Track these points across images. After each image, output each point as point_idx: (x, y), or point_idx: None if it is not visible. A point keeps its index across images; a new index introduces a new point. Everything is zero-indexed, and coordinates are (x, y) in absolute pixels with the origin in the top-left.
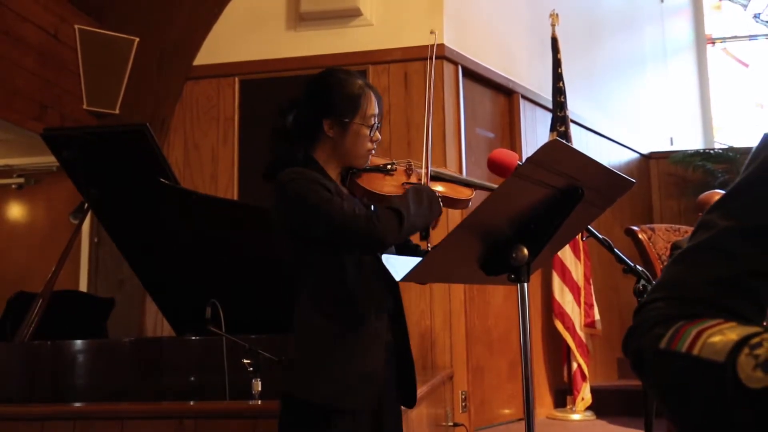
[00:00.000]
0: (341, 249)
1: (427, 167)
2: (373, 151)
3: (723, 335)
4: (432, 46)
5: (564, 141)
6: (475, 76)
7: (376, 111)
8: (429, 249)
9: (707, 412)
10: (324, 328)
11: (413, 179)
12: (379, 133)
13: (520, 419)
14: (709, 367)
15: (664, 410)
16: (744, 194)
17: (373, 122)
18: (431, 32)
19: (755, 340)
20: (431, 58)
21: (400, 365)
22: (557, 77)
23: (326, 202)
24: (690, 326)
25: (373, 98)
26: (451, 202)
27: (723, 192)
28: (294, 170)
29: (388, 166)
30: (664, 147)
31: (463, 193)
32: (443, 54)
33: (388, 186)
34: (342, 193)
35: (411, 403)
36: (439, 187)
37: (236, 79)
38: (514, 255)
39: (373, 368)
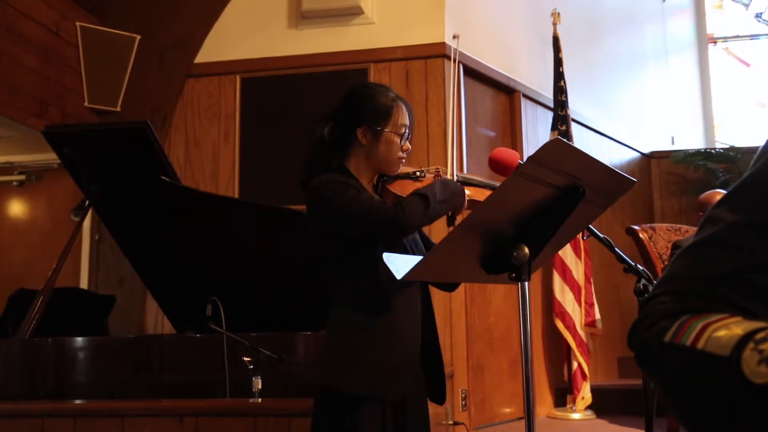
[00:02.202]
0: (372, 239)
1: (452, 170)
2: (404, 160)
3: (728, 330)
4: (454, 50)
5: (565, 140)
6: (476, 74)
7: (407, 122)
8: None
9: (711, 406)
10: (356, 322)
11: None
12: (410, 142)
13: (520, 418)
14: (713, 361)
15: (667, 404)
16: (752, 189)
17: (403, 131)
18: (454, 36)
19: (760, 335)
20: (454, 60)
21: (430, 362)
22: (558, 76)
23: (353, 197)
24: (695, 320)
25: (404, 109)
26: (477, 204)
27: (724, 191)
28: (326, 175)
29: (418, 173)
30: (665, 146)
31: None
32: (444, 52)
33: None
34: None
35: (441, 399)
36: (466, 191)
37: (237, 76)
38: (515, 254)
39: (404, 359)
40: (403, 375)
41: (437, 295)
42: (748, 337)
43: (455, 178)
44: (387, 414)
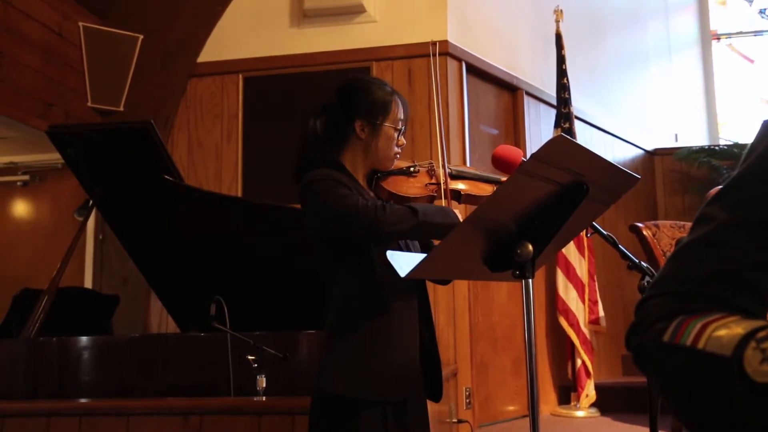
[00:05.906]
0: (352, 239)
1: (444, 167)
2: (398, 156)
3: (729, 329)
4: (434, 47)
5: (569, 137)
6: (479, 72)
7: (402, 116)
8: None
9: (713, 406)
10: (353, 325)
11: (436, 179)
12: (404, 138)
13: (524, 416)
14: (714, 361)
15: (667, 404)
16: (743, 187)
17: (400, 126)
18: (432, 43)
19: (762, 333)
20: (434, 55)
21: (428, 360)
22: (561, 73)
23: (340, 195)
24: (693, 320)
25: (400, 104)
26: (474, 199)
27: None
28: (319, 171)
29: (411, 168)
30: (668, 143)
31: (485, 189)
32: (447, 50)
33: (413, 188)
34: (365, 194)
35: (437, 397)
36: (461, 185)
37: (240, 76)
38: (518, 251)
39: (404, 360)
40: (402, 376)
41: (441, 294)
42: (749, 336)
43: (447, 170)
44: (388, 416)
